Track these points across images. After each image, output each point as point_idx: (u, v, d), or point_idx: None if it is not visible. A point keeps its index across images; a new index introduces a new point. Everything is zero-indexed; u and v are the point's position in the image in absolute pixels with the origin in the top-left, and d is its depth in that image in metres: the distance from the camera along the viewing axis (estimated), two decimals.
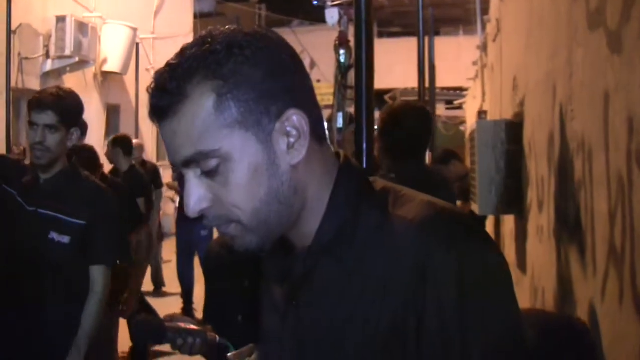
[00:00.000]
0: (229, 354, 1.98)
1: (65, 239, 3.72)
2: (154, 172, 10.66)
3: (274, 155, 1.33)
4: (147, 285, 11.03)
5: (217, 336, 1.99)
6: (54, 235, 3.70)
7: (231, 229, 1.36)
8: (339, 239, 1.37)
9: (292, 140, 1.34)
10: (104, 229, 3.84)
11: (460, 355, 1.25)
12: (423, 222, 1.32)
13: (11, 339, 3.72)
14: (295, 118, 1.33)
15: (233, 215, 1.34)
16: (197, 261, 10.50)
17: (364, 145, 3.86)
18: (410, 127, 4.21)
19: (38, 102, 3.74)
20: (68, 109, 3.79)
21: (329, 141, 1.48)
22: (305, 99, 1.38)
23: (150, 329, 2.10)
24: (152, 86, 1.35)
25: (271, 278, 1.53)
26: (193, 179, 1.34)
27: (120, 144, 8.19)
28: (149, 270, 10.67)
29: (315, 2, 19.43)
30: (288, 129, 1.33)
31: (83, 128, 7.04)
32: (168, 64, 1.34)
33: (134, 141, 10.94)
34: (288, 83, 1.36)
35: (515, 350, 1.29)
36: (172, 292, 10.91)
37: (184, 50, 1.36)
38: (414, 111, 4.39)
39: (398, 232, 1.32)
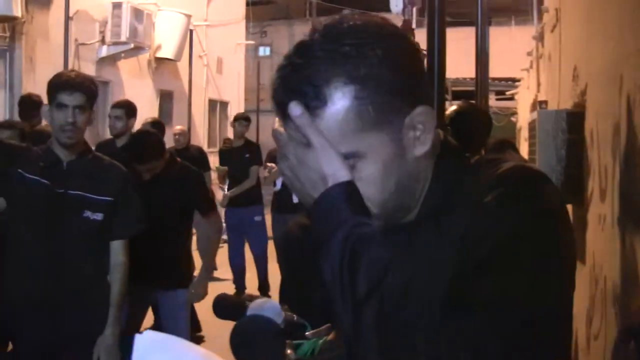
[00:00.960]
0: (307, 333, 2.02)
1: (99, 216, 3.97)
2: (200, 155, 10.70)
3: (403, 149, 1.40)
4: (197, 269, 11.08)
5: (294, 315, 2.03)
6: (88, 214, 3.93)
7: None
8: (439, 207, 1.43)
9: (418, 133, 1.40)
10: (125, 205, 4.09)
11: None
12: (499, 175, 1.37)
13: (50, 310, 3.92)
14: (422, 113, 1.39)
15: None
16: (246, 247, 10.57)
17: None
18: (475, 126, 4.77)
19: (67, 84, 3.90)
20: (92, 91, 4.00)
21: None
22: (427, 91, 1.46)
23: (229, 307, 2.15)
24: (279, 86, 1.39)
25: None
26: None
27: (154, 127, 8.22)
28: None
29: None
30: (416, 123, 1.39)
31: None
32: (294, 63, 1.38)
33: (178, 127, 11.01)
34: (414, 79, 1.42)
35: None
36: (223, 277, 10.85)
37: (308, 48, 1.39)
38: (478, 112, 5.10)
39: (482, 186, 1.35)
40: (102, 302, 3.98)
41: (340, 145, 1.35)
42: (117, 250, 4.07)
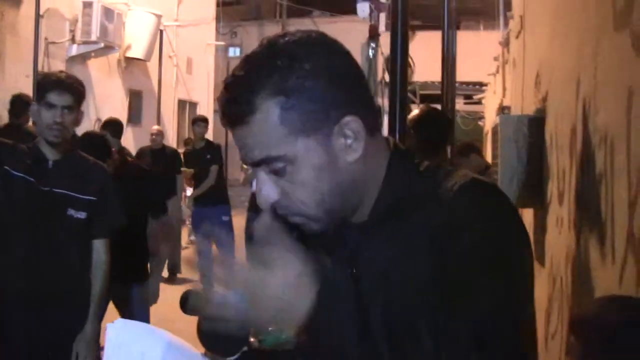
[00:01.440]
0: (269, 328, 2.08)
1: (82, 215, 4.02)
2: (174, 156, 10.75)
3: (334, 155, 1.48)
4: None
5: None
6: (71, 212, 3.99)
7: (298, 219, 1.51)
8: (392, 210, 1.52)
9: (349, 141, 1.48)
10: (107, 204, 4.15)
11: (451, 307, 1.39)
12: (461, 187, 1.46)
13: (34, 306, 3.94)
14: (351, 123, 1.47)
15: (299, 209, 1.49)
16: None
17: (397, 136, 4.01)
18: (435, 130, 4.93)
19: (58, 84, 3.95)
20: (80, 92, 4.07)
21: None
22: (360, 101, 1.52)
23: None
24: (222, 95, 1.50)
25: (321, 250, 1.62)
26: (263, 176, 1.50)
27: (107, 127, 8.21)
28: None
29: None
30: (345, 131, 1.47)
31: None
32: (235, 75, 1.49)
33: (154, 127, 11.04)
34: (345, 90, 1.49)
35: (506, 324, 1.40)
36: (189, 277, 10.84)
37: (249, 61, 1.50)
38: (438, 116, 5.35)
39: (441, 197, 1.46)
40: (85, 300, 4.03)
41: (268, 149, 1.46)
42: (99, 248, 4.13)
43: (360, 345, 1.55)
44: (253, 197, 10.43)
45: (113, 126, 7.97)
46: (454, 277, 1.39)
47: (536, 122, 5.19)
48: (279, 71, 1.45)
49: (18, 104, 8.03)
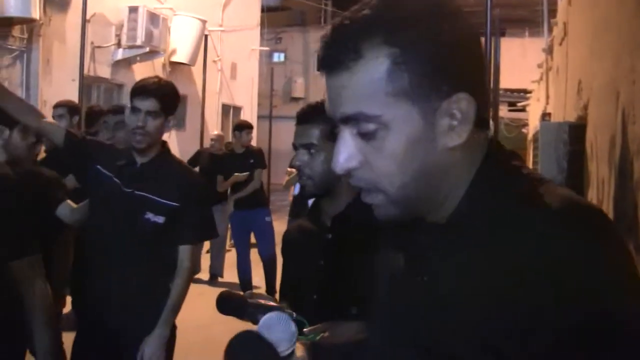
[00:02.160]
0: (304, 329, 2.09)
1: (160, 219, 3.97)
2: (260, 153, 10.93)
3: (434, 133, 1.29)
4: (204, 273, 11.15)
5: (293, 312, 2.10)
6: (149, 215, 3.96)
7: (374, 197, 1.35)
8: (474, 218, 1.31)
9: (454, 122, 1.29)
10: (193, 211, 4.08)
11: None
12: (566, 217, 1.22)
13: (101, 306, 3.99)
14: (463, 102, 1.28)
15: (380, 183, 1.32)
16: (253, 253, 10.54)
17: None
18: None
19: (142, 89, 3.98)
20: (168, 97, 4.04)
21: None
22: (476, 82, 1.33)
23: (232, 304, 2.23)
24: (326, 36, 1.32)
25: (394, 246, 1.52)
26: (348, 136, 1.33)
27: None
28: (207, 257, 10.75)
29: None
30: (454, 110, 1.28)
31: (76, 111, 7.25)
32: (348, 17, 1.31)
33: (215, 133, 11.04)
34: (463, 63, 1.30)
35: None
36: (229, 281, 10.84)
37: (362, 5, 1.31)
38: None
39: (538, 221, 1.22)
40: (156, 304, 3.99)
41: (365, 104, 1.27)
42: (183, 254, 4.08)
43: (419, 352, 1.35)
44: (294, 202, 10.47)
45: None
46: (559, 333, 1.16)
47: (577, 130, 5.19)
48: (398, 21, 1.27)
49: (90, 114, 8.25)
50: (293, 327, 1.52)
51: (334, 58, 1.30)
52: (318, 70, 1.37)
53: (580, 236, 1.19)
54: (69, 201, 4.49)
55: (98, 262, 4.04)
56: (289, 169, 10.08)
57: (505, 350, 1.20)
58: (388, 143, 1.28)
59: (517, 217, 1.25)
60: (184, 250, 4.08)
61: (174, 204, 4.00)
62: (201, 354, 5.98)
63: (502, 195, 1.30)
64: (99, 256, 4.04)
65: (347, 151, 1.32)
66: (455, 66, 1.28)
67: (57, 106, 7.12)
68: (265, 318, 1.53)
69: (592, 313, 1.15)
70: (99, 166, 4.06)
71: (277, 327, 1.52)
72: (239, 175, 10.40)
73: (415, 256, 1.42)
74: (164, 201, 3.99)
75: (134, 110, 3.96)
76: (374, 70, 1.26)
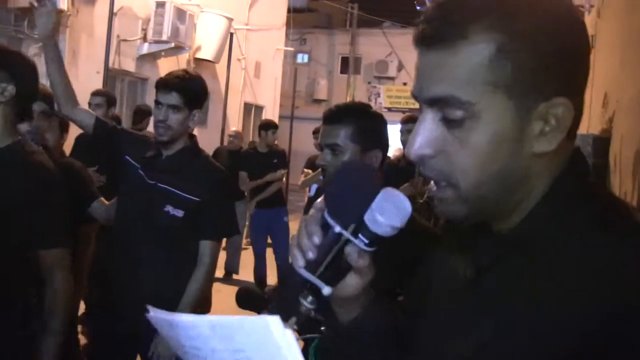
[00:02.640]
0: (322, 328, 2.07)
1: (180, 213, 3.96)
2: (284, 154, 10.95)
3: (523, 135, 1.20)
4: (219, 270, 11.11)
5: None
6: (169, 208, 3.95)
7: (444, 191, 1.27)
8: (538, 238, 1.22)
9: (548, 128, 1.20)
10: (216, 207, 4.07)
11: None
12: (636, 242, 1.14)
13: (121, 298, 4.04)
14: (561, 108, 1.20)
15: (454, 176, 1.24)
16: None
17: None
18: None
19: (164, 83, 3.99)
20: (192, 92, 4.04)
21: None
22: (579, 91, 1.24)
23: (252, 299, 2.23)
24: (430, 9, 1.24)
25: (454, 248, 1.43)
26: (430, 120, 1.25)
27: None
28: (222, 254, 10.73)
29: (419, 8, 19.50)
30: (550, 115, 1.20)
31: (113, 101, 7.30)
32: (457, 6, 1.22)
33: (233, 129, 11.06)
34: (572, 69, 1.22)
35: None
36: (244, 279, 10.84)
37: None
38: None
39: (608, 255, 1.13)
40: (173, 297, 3.94)
41: (460, 88, 1.19)
42: (204, 250, 4.06)
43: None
44: (308, 202, 10.49)
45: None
46: None
47: (601, 142, 5.16)
48: (512, 8, 1.19)
49: (138, 112, 8.78)
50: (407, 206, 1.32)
51: (436, 33, 1.21)
52: (415, 44, 1.27)
53: None
54: (102, 199, 4.49)
55: (121, 254, 4.07)
56: (305, 170, 10.05)
57: None
58: (474, 135, 1.20)
59: (582, 246, 1.16)
60: (204, 246, 4.06)
61: (196, 198, 3.98)
62: None
63: (573, 215, 1.22)
64: (122, 248, 4.07)
65: (426, 136, 1.24)
66: (563, 69, 1.20)
67: (95, 94, 7.15)
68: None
69: None
70: (127, 157, 4.09)
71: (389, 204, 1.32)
72: (275, 175, 10.40)
73: (473, 264, 1.32)
74: (186, 195, 3.98)
75: (157, 103, 3.98)
76: (476, 53, 1.18)
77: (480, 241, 1.32)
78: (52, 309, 3.15)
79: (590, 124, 6.71)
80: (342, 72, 32.79)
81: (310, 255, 1.33)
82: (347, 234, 1.32)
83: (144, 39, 15.03)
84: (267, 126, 10.77)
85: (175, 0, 15.18)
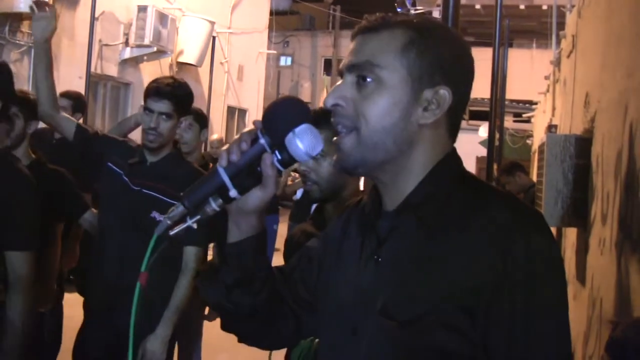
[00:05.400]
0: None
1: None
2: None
3: (413, 106, 1.60)
4: None
5: None
6: (155, 214, 3.95)
7: (346, 137, 1.62)
8: (428, 204, 1.61)
9: (432, 106, 1.61)
10: None
11: (522, 328, 1.47)
12: (514, 211, 1.55)
13: (107, 302, 4.01)
14: (444, 94, 1.61)
15: (357, 121, 1.60)
16: None
17: None
18: None
19: (156, 90, 3.99)
20: (182, 99, 4.05)
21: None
22: (461, 91, 1.65)
23: None
24: (370, 16, 1.67)
25: (353, 230, 1.79)
26: (347, 81, 1.64)
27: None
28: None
29: (399, 9, 19.57)
30: (435, 98, 1.61)
31: (80, 106, 7.04)
32: (388, 13, 1.69)
33: (214, 137, 11.04)
34: (458, 71, 1.65)
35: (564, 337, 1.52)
36: None
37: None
38: None
39: (489, 216, 1.53)
40: (159, 304, 3.95)
41: (374, 57, 1.61)
42: (189, 256, 4.05)
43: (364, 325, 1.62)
44: (294, 205, 10.48)
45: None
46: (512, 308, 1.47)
47: (583, 143, 5.18)
48: (424, 23, 1.66)
49: None
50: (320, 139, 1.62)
51: (370, 24, 1.65)
52: (352, 36, 1.70)
53: (521, 236, 1.49)
54: (92, 209, 4.46)
55: (106, 259, 4.05)
56: (292, 173, 10.04)
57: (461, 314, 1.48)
58: (377, 94, 1.60)
59: (467, 211, 1.56)
60: (189, 252, 4.05)
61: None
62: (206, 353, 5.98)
63: (453, 183, 1.63)
64: (107, 253, 4.05)
65: (341, 92, 1.63)
66: (451, 69, 1.63)
67: (63, 96, 6.79)
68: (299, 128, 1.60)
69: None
70: (110, 163, 4.08)
71: (310, 135, 1.60)
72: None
73: (371, 239, 1.67)
74: (172, 201, 3.95)
75: (148, 110, 3.97)
76: (394, 38, 1.62)
77: (379, 222, 1.68)
78: (12, 308, 3.20)
79: (572, 125, 6.73)
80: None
81: (234, 157, 1.59)
82: (264, 144, 1.60)
83: (126, 43, 15.01)
84: None
85: (157, 4, 15.17)
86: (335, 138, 1.65)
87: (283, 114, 1.60)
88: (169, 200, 3.97)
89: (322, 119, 2.77)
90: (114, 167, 4.07)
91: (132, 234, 3.94)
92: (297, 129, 1.58)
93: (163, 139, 4.01)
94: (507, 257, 1.46)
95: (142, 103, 4.03)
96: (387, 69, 1.59)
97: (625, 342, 2.40)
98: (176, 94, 4.01)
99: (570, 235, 6.28)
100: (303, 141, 1.57)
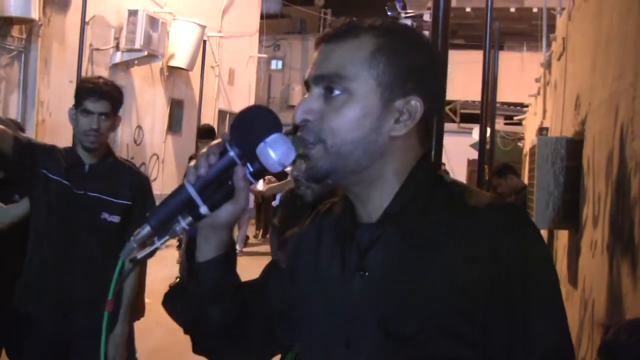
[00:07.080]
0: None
1: (116, 219, 4.04)
2: None
3: (384, 117, 1.54)
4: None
5: None
6: (105, 215, 4.02)
7: (313, 148, 1.56)
8: (408, 212, 1.56)
9: (403, 117, 1.55)
10: (144, 208, 4.11)
11: (523, 321, 1.45)
12: (498, 210, 1.51)
13: (62, 309, 4.01)
14: (415, 104, 1.55)
15: (324, 134, 1.54)
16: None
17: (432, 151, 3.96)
18: None
19: (94, 91, 3.98)
20: (117, 98, 4.09)
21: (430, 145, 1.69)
22: (433, 99, 1.60)
23: None
24: (336, 23, 1.61)
25: (328, 239, 1.72)
26: (315, 94, 1.57)
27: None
28: None
29: (390, 13, 19.60)
30: (406, 108, 1.55)
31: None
32: (358, 19, 1.60)
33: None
34: (429, 79, 1.59)
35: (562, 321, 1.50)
36: None
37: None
38: None
39: (473, 216, 1.50)
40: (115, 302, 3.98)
41: (342, 68, 1.54)
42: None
43: (352, 339, 1.57)
44: (273, 211, 10.50)
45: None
46: (510, 299, 1.45)
47: (574, 145, 5.19)
48: (394, 28, 1.60)
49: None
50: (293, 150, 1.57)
51: (335, 32, 1.58)
52: (315, 44, 1.63)
53: (511, 230, 1.47)
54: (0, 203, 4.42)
55: (54, 265, 4.02)
56: (267, 177, 10.05)
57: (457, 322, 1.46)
58: (346, 107, 1.53)
59: (448, 215, 1.53)
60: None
61: (128, 202, 4.08)
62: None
63: (430, 189, 1.58)
64: (55, 259, 4.03)
65: (309, 106, 1.56)
66: (421, 79, 1.57)
67: None
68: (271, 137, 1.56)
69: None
70: (44, 170, 4.02)
71: (282, 144, 1.55)
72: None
73: (353, 254, 1.60)
74: (118, 200, 4.06)
75: (86, 112, 3.97)
76: (361, 46, 1.55)
77: (356, 232, 1.62)
78: None
79: (563, 127, 6.75)
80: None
81: (202, 171, 1.53)
82: (233, 155, 1.55)
83: (117, 47, 14.99)
84: None
85: (148, 9, 15.16)
86: (301, 150, 1.60)
87: (253, 124, 1.56)
88: (115, 200, 4.05)
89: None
90: (49, 174, 4.02)
91: (83, 237, 4.00)
92: (269, 139, 1.54)
93: (103, 138, 4.05)
94: (498, 255, 1.44)
95: (82, 106, 3.99)
96: (355, 80, 1.53)
97: (617, 345, 2.41)
98: (112, 94, 4.05)
99: (562, 237, 6.28)
100: (276, 151, 1.53)
